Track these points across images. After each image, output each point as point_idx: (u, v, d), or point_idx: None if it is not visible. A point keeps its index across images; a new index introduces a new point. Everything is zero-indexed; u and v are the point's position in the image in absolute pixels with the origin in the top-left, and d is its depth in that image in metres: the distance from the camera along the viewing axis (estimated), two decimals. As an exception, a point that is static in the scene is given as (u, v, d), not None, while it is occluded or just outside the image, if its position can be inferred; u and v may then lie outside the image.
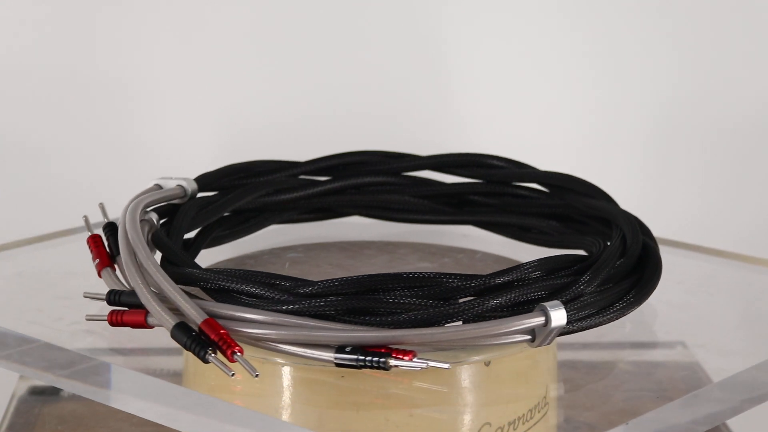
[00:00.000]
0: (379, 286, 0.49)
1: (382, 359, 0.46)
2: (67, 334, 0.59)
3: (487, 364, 0.50)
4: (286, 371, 0.50)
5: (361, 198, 0.67)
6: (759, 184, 0.96)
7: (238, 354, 0.47)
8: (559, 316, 0.48)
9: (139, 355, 0.56)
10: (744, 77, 0.95)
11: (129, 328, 0.52)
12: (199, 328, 0.48)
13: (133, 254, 0.53)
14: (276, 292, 0.49)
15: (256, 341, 0.49)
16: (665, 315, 0.60)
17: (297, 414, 0.50)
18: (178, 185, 0.62)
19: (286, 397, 0.50)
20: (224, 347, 0.47)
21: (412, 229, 0.68)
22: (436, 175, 0.67)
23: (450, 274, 0.49)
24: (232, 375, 0.47)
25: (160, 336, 0.51)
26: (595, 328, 0.51)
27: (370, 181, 0.67)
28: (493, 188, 0.65)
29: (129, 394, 0.52)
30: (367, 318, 0.48)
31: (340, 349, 0.47)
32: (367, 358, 0.47)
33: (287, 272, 0.61)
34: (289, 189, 0.66)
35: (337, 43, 0.94)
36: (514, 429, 0.50)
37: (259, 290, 0.50)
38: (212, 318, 0.48)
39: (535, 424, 0.51)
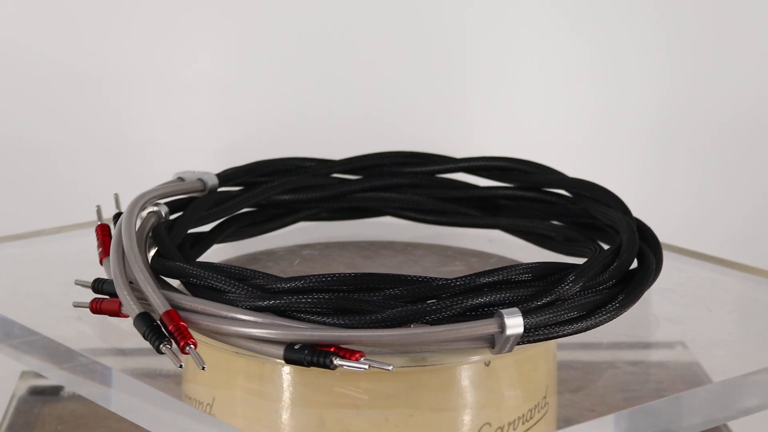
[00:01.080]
0: (349, 285, 0.49)
1: (327, 358, 0.47)
2: (53, 320, 0.59)
3: (487, 364, 0.50)
4: (287, 371, 0.50)
5: (392, 198, 0.66)
6: (758, 185, 0.96)
7: (191, 346, 0.48)
8: (515, 324, 0.47)
9: (138, 355, 0.56)
10: (743, 77, 0.95)
11: (123, 322, 0.52)
12: (160, 319, 0.49)
13: (121, 244, 0.54)
14: (242, 288, 0.50)
15: (213, 334, 0.49)
16: (665, 316, 0.60)
17: (297, 414, 0.50)
18: (199, 179, 0.62)
19: (286, 397, 0.50)
20: (178, 338, 0.48)
21: (441, 232, 0.67)
22: (467, 177, 0.67)
23: (428, 278, 0.49)
24: (180, 366, 0.47)
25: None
26: (591, 330, 0.51)
27: (402, 182, 0.66)
28: (523, 193, 0.65)
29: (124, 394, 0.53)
30: (323, 317, 0.48)
31: (289, 346, 0.47)
32: (313, 357, 0.47)
33: (294, 269, 0.61)
34: (319, 186, 0.66)
35: (338, 44, 0.94)
36: (514, 429, 0.50)
37: (226, 286, 0.50)
38: (174, 310, 0.49)
39: (535, 424, 0.51)
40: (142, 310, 0.50)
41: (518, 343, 0.48)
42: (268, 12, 0.93)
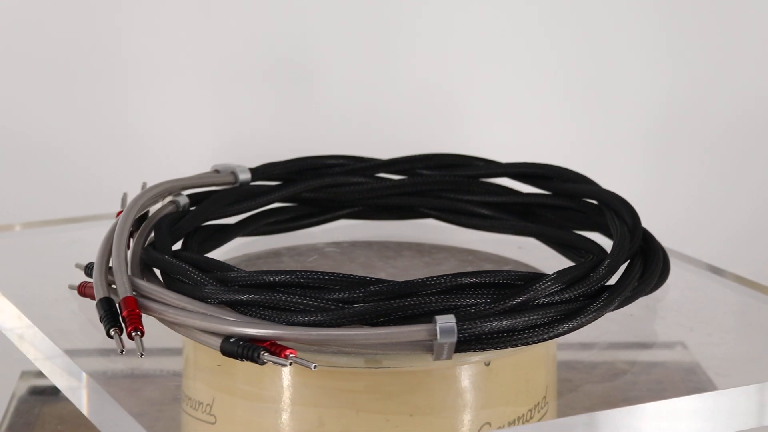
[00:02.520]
0: (301, 282, 0.50)
1: (256, 352, 0.47)
2: (49, 300, 0.60)
3: (487, 364, 0.50)
4: (286, 371, 0.50)
5: (433, 201, 0.66)
6: (759, 186, 0.96)
7: (138, 333, 0.49)
8: (447, 330, 0.47)
9: (137, 355, 0.56)
10: (745, 78, 0.95)
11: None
12: (119, 304, 0.51)
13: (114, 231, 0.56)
14: (204, 281, 0.51)
15: (166, 322, 0.51)
16: (665, 315, 0.60)
17: (297, 414, 0.50)
18: (231, 172, 0.63)
19: (286, 397, 0.50)
20: (128, 324, 0.49)
21: (482, 237, 0.67)
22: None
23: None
24: (121, 352, 0.49)
25: (160, 336, 0.51)
26: (591, 330, 0.51)
27: (445, 185, 0.66)
28: (560, 202, 0.64)
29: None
30: (269, 312, 0.49)
31: (226, 338, 0.48)
32: (244, 350, 0.48)
33: (305, 265, 0.62)
34: (360, 185, 0.66)
35: (337, 42, 0.94)
36: (514, 429, 0.50)
37: (186, 278, 0.52)
38: (132, 297, 0.50)
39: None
40: (106, 295, 0.51)
41: (461, 350, 0.48)
42: (270, 11, 0.93)
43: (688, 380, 0.55)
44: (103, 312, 0.50)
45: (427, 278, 0.49)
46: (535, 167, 0.65)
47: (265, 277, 0.50)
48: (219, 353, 0.49)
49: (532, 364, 0.52)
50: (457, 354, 0.49)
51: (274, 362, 0.47)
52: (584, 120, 0.96)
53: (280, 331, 0.48)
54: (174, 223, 0.59)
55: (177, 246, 0.58)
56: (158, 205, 0.60)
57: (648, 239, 0.58)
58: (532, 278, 0.50)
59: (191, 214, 0.60)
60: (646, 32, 0.95)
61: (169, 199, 0.60)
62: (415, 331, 0.47)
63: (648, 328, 0.59)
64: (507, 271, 0.50)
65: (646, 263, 0.56)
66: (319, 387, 0.50)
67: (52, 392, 0.68)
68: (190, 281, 0.52)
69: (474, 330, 0.48)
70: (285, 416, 0.50)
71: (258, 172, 0.64)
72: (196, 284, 0.51)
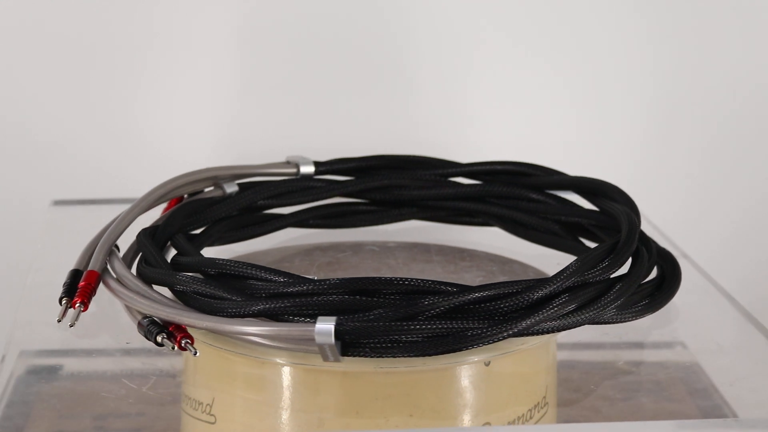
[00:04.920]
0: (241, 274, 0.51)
1: (154, 333, 0.49)
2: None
3: (487, 364, 0.50)
4: (286, 372, 0.50)
5: (494, 209, 0.65)
6: (756, 184, 0.96)
7: (81, 306, 0.51)
8: (324, 333, 0.47)
9: (137, 355, 0.56)
10: (742, 72, 0.95)
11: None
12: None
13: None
14: (157, 265, 0.54)
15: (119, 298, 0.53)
16: (665, 315, 0.60)
17: (297, 414, 0.50)
18: (295, 164, 0.65)
19: (286, 397, 0.50)
20: (76, 294, 0.51)
21: (534, 250, 0.65)
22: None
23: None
24: (58, 321, 0.52)
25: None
26: (591, 330, 0.51)
27: (508, 194, 0.65)
28: (603, 220, 0.62)
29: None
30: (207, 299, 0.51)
31: (144, 318, 0.50)
32: (148, 329, 0.50)
33: (335, 262, 0.63)
34: (419, 186, 0.66)
35: (337, 39, 0.93)
36: (514, 429, 0.51)
37: (151, 262, 0.54)
38: (94, 272, 0.53)
39: (535, 424, 0.51)
40: (79, 267, 0.54)
41: (348, 354, 0.48)
42: (272, 11, 0.92)
43: (688, 380, 0.55)
44: (67, 281, 0.52)
45: (322, 280, 0.49)
46: (588, 182, 0.63)
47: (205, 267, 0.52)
48: (225, 354, 0.50)
49: (532, 364, 0.52)
50: (457, 354, 0.49)
51: (167, 346, 0.49)
52: (581, 118, 0.95)
53: (180, 317, 0.50)
54: (202, 209, 0.61)
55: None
56: (209, 189, 0.63)
57: (636, 265, 0.53)
58: (462, 291, 0.48)
59: (226, 202, 0.62)
60: (643, 27, 0.94)
61: (223, 184, 0.62)
62: (297, 330, 0.48)
63: (648, 328, 0.59)
64: (430, 281, 0.48)
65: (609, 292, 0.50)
66: (319, 387, 0.50)
67: (51, 372, 0.68)
68: (149, 264, 0.54)
69: (356, 334, 0.47)
70: (285, 416, 0.50)
71: (321, 166, 0.65)
72: (152, 268, 0.53)
